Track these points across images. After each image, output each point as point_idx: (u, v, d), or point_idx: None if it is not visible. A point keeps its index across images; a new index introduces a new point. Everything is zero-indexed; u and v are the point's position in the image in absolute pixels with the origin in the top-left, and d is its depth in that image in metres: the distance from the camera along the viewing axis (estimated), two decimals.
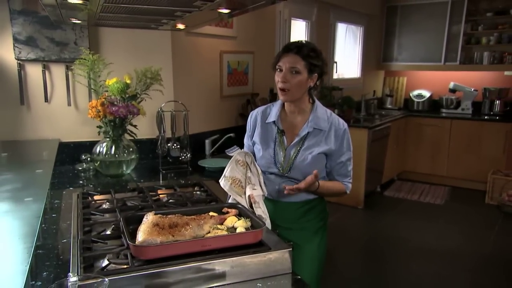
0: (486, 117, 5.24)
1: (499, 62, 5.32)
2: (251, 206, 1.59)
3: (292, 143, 1.73)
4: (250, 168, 1.66)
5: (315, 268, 1.81)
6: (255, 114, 1.87)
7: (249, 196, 1.60)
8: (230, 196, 1.67)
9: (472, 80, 5.59)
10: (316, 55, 1.66)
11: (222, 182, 1.66)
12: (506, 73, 5.39)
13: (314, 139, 1.72)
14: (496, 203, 4.67)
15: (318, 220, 1.82)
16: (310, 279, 1.75)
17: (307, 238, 1.79)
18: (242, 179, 1.63)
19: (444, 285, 3.00)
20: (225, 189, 1.65)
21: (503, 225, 4.16)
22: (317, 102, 1.78)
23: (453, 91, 5.57)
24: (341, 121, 1.77)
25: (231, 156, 1.70)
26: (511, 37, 5.25)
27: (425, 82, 6.04)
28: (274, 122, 1.78)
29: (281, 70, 1.66)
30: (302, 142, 1.72)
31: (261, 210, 1.59)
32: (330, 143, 1.71)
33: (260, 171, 1.70)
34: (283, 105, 1.81)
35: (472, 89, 5.47)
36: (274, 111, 1.80)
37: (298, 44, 1.66)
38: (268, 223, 1.58)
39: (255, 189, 1.62)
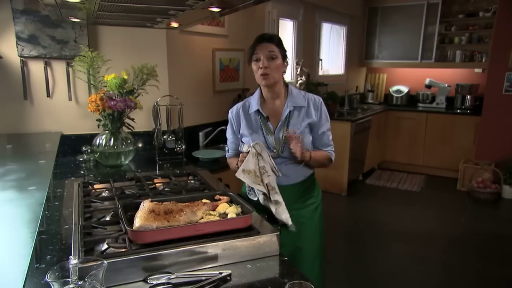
0: (458, 111, 5.29)
1: (470, 60, 5.37)
2: (269, 193, 1.58)
3: (278, 126, 1.73)
4: (261, 156, 1.60)
5: (320, 239, 1.84)
6: (235, 110, 1.83)
7: (266, 184, 1.59)
8: (251, 187, 1.65)
9: (446, 76, 5.64)
10: (283, 44, 1.73)
11: (240, 176, 1.60)
12: (476, 70, 5.45)
13: (297, 117, 1.73)
14: (467, 189, 4.74)
15: (315, 196, 1.84)
16: (319, 250, 1.82)
17: (308, 215, 1.79)
18: (256, 169, 1.59)
19: (419, 264, 3.05)
20: (246, 182, 1.60)
21: (472, 210, 4.24)
22: (290, 86, 1.80)
23: (428, 86, 5.62)
24: (316, 96, 1.80)
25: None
26: (480, 37, 5.30)
27: (403, 79, 6.07)
28: (257, 110, 1.76)
29: (258, 59, 1.67)
30: (287, 122, 1.72)
31: (278, 196, 1.59)
32: (312, 115, 1.74)
33: (269, 155, 1.64)
34: (261, 95, 1.80)
35: (446, 85, 5.52)
36: (253, 102, 1.79)
37: (269, 34, 1.72)
38: (283, 206, 1.59)
39: (269, 175, 1.60)
